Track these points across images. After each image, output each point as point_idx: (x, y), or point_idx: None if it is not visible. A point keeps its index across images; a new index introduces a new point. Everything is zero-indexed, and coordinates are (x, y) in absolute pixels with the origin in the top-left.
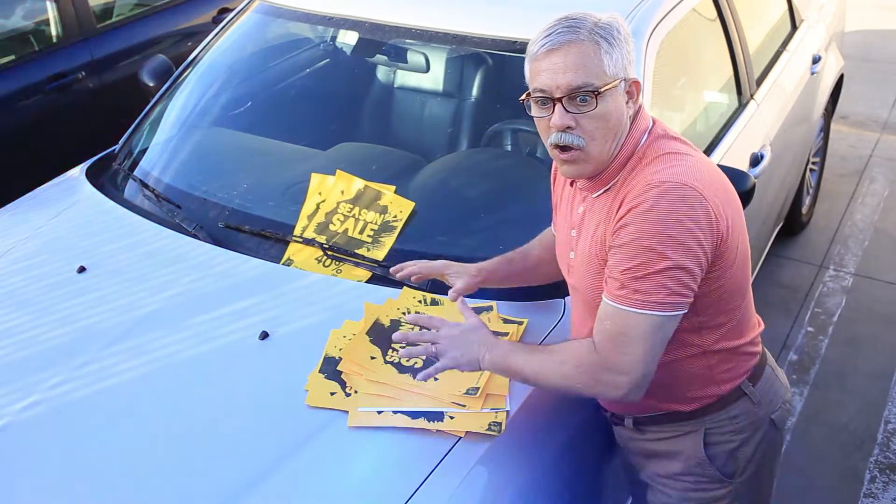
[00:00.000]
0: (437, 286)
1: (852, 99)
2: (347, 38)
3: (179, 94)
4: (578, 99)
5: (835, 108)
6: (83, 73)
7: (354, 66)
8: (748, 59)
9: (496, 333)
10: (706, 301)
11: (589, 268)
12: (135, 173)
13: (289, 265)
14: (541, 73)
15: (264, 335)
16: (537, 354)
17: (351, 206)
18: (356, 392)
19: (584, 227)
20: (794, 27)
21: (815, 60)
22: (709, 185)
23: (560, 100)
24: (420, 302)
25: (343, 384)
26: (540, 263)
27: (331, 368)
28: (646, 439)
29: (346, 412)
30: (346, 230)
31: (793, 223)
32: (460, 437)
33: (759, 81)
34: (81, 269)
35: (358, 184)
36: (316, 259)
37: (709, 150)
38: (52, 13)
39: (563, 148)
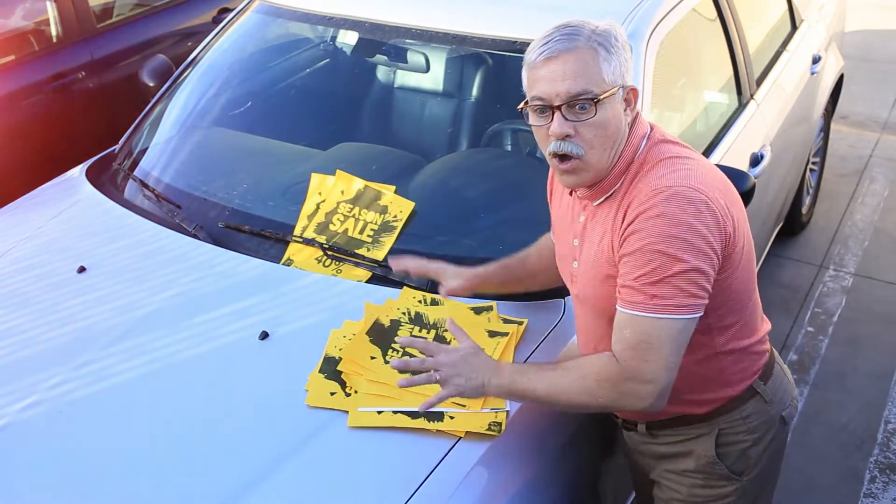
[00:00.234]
0: (438, 286)
1: (852, 99)
2: (347, 38)
3: (179, 94)
4: (577, 107)
5: (835, 108)
6: (83, 73)
7: (354, 66)
8: (748, 59)
9: (496, 333)
10: (715, 302)
11: (595, 277)
12: (135, 173)
13: (289, 265)
14: (539, 81)
15: (264, 335)
16: (548, 373)
17: (351, 206)
18: (356, 392)
19: (586, 235)
20: (794, 27)
21: (815, 60)
22: (713, 188)
23: (559, 108)
24: (420, 302)
25: (343, 384)
26: (537, 271)
27: (331, 368)
28: (658, 443)
29: (346, 412)
30: (346, 230)
31: (793, 223)
32: (460, 437)
33: (759, 81)
34: (81, 269)
35: (358, 184)
36: (316, 259)
37: (709, 150)
38: (52, 13)
39: (563, 157)
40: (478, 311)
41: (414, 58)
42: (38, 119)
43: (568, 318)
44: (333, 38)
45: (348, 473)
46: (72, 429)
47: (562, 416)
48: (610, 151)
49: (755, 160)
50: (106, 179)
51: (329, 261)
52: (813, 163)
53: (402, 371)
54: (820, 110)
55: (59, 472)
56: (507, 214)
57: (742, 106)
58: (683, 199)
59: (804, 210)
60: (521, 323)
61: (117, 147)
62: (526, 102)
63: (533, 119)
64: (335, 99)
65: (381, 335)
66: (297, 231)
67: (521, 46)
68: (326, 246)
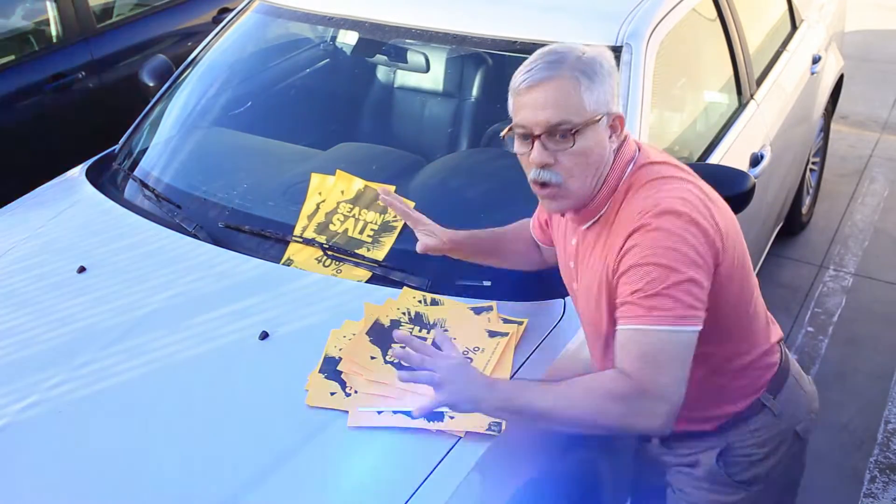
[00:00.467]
0: (438, 286)
1: (852, 99)
2: (347, 38)
3: (179, 94)
4: (558, 136)
5: (835, 108)
6: (83, 73)
7: (354, 66)
8: (748, 59)
9: (496, 333)
10: (708, 318)
11: (591, 300)
12: (135, 173)
13: (289, 265)
14: (522, 109)
15: (264, 335)
16: (550, 388)
17: (351, 206)
18: (356, 392)
19: (579, 259)
20: (794, 27)
21: (815, 60)
22: (701, 203)
23: (539, 136)
24: (420, 302)
25: (343, 384)
26: (509, 252)
27: (331, 368)
28: (672, 454)
29: (346, 412)
30: (346, 230)
31: (793, 223)
32: (460, 437)
33: (759, 81)
34: (81, 269)
35: (358, 184)
36: (316, 259)
37: (709, 150)
38: (52, 13)
39: (543, 184)
40: (478, 311)
41: (414, 58)
42: (38, 119)
43: (568, 318)
44: (333, 38)
45: (348, 473)
46: (72, 429)
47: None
48: (591, 179)
49: (755, 160)
50: (106, 179)
51: (329, 261)
52: (813, 163)
53: (401, 360)
54: (820, 110)
55: (59, 472)
56: (507, 214)
57: (742, 106)
58: (671, 213)
59: (804, 210)
60: (521, 323)
61: (117, 147)
62: (510, 128)
63: (516, 146)
64: (335, 99)
65: (381, 335)
66: (297, 231)
67: (521, 46)
68: (326, 246)
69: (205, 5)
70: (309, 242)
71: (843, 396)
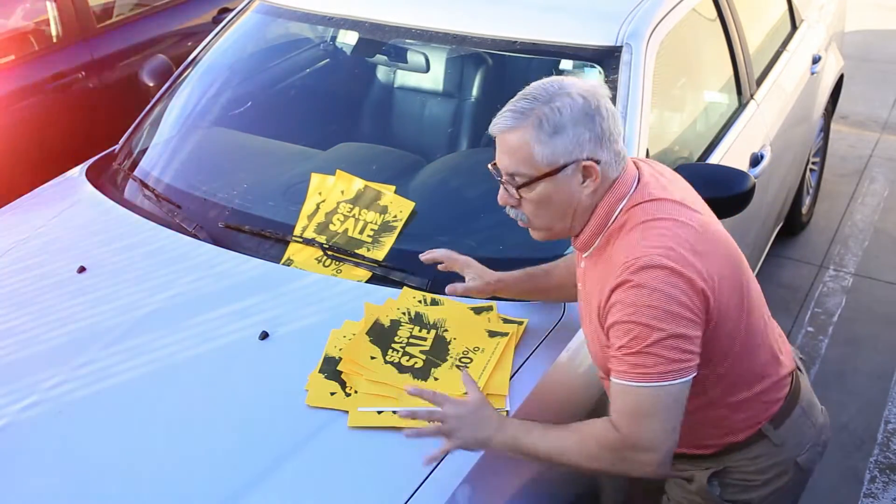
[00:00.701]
0: (438, 286)
1: (852, 99)
2: (347, 38)
3: (179, 94)
4: (515, 184)
5: (835, 108)
6: (83, 73)
7: (354, 66)
8: (748, 59)
9: (496, 333)
10: (703, 357)
11: (589, 328)
12: (135, 173)
13: (289, 265)
14: (496, 150)
15: (264, 335)
16: (552, 433)
17: (351, 206)
18: (356, 392)
19: (583, 283)
20: (794, 27)
21: (815, 60)
22: (688, 253)
23: (502, 180)
24: (420, 302)
25: (343, 384)
26: (562, 285)
27: (331, 368)
28: (671, 467)
29: (346, 412)
30: (346, 230)
31: (793, 223)
32: None
33: (759, 81)
34: (81, 269)
35: (358, 184)
36: (316, 259)
37: (709, 150)
38: (52, 13)
39: None
40: (478, 311)
41: (414, 58)
42: (38, 119)
43: (568, 318)
44: (333, 38)
45: (348, 473)
46: (72, 429)
47: (562, 417)
48: (559, 222)
49: (755, 160)
50: (106, 179)
51: (329, 261)
52: (813, 163)
53: (409, 418)
54: (820, 110)
55: (59, 472)
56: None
57: (742, 106)
58: (654, 267)
59: (804, 210)
60: (521, 323)
61: (117, 147)
62: (493, 163)
63: (498, 178)
64: (335, 99)
65: (381, 335)
66: (297, 231)
67: (520, 46)
68: (326, 246)
69: (205, 5)
70: (309, 242)
71: (843, 396)
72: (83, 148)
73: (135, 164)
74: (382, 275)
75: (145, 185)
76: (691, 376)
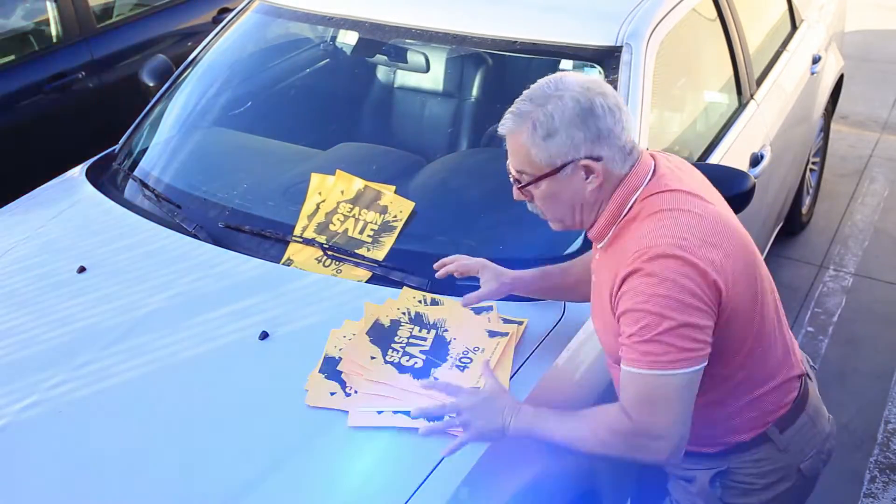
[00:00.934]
0: (438, 286)
1: (852, 99)
2: (347, 38)
3: (179, 94)
4: (523, 181)
5: (835, 108)
6: (83, 73)
7: (354, 66)
8: (748, 59)
9: (496, 333)
10: (713, 351)
11: (601, 319)
12: (135, 173)
13: (289, 265)
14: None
15: (264, 335)
16: (567, 421)
17: (351, 206)
18: (356, 392)
19: (597, 274)
20: (794, 27)
21: (815, 60)
22: (702, 241)
23: (512, 178)
24: (420, 302)
25: (343, 384)
26: (578, 283)
27: (331, 368)
28: (673, 465)
29: (346, 412)
30: (346, 230)
31: (793, 223)
32: None
33: (759, 81)
34: (81, 269)
35: (358, 184)
36: (316, 259)
37: (709, 151)
38: (52, 13)
39: None
40: (478, 311)
41: (414, 58)
42: (38, 119)
43: (568, 318)
44: (333, 38)
45: (348, 473)
46: (72, 429)
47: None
48: (570, 214)
49: (755, 160)
50: (106, 179)
51: (329, 261)
52: (813, 163)
53: (420, 417)
54: (820, 110)
55: (59, 472)
56: (507, 214)
57: (742, 106)
58: (666, 256)
59: (804, 210)
60: (521, 323)
61: (117, 147)
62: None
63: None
64: (335, 99)
65: (381, 335)
66: (297, 231)
67: (520, 46)
68: (326, 246)
69: (205, 5)
70: (309, 242)
71: (843, 396)
72: (83, 148)
73: (135, 164)
74: (382, 275)
75: (145, 185)
76: (702, 365)
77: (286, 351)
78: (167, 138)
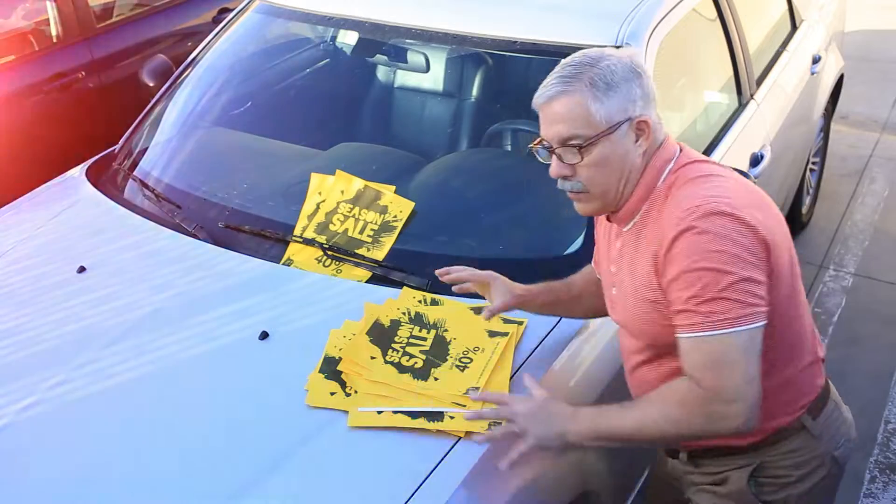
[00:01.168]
0: (438, 286)
1: (852, 99)
2: (347, 38)
3: (179, 94)
4: (572, 149)
5: (835, 108)
6: (83, 73)
7: (354, 66)
8: (748, 59)
9: (496, 333)
10: None
11: (635, 303)
12: (135, 173)
13: (289, 265)
14: (542, 123)
15: (264, 335)
16: (631, 411)
17: (351, 206)
18: (356, 392)
19: (622, 261)
20: (794, 27)
21: (815, 60)
22: (747, 202)
23: (555, 150)
24: (420, 302)
25: (343, 384)
26: (582, 296)
27: (331, 368)
28: (699, 472)
29: (346, 412)
30: (346, 230)
31: (793, 223)
32: (460, 437)
33: (759, 81)
34: (81, 269)
35: (358, 184)
36: (316, 259)
37: (709, 150)
38: (52, 13)
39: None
40: (478, 311)
41: (414, 58)
42: (38, 119)
43: (567, 318)
44: (333, 38)
45: (348, 473)
46: (72, 429)
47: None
48: (617, 183)
49: (755, 160)
50: (106, 179)
51: (329, 261)
52: (813, 163)
53: (475, 419)
54: (820, 110)
55: (59, 472)
56: (507, 214)
57: (742, 106)
58: (718, 214)
59: (804, 210)
60: (521, 323)
61: (117, 147)
62: (539, 141)
63: (543, 157)
64: (335, 99)
65: (381, 335)
66: (297, 231)
67: (520, 46)
68: (326, 246)
69: (205, 5)
70: (309, 242)
71: (844, 396)
72: (83, 148)
73: (135, 164)
74: (382, 275)
75: (145, 185)
76: (763, 322)
77: (286, 351)
78: (167, 138)
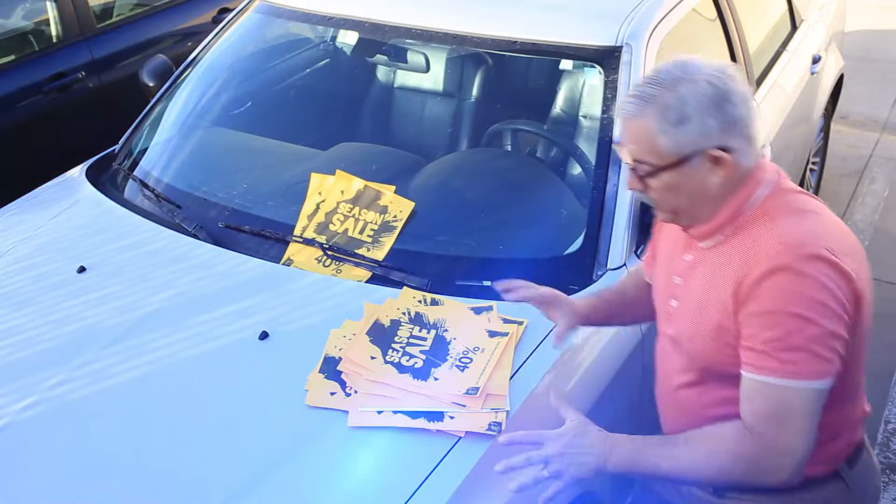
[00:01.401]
0: (438, 286)
1: (852, 99)
2: (347, 38)
3: (179, 94)
4: (641, 170)
5: (835, 108)
6: (83, 73)
7: (354, 67)
8: (748, 60)
9: (496, 333)
10: None
11: (701, 323)
12: (135, 173)
13: (289, 265)
14: (621, 132)
15: (264, 335)
16: (674, 449)
17: (351, 206)
18: (356, 392)
19: (692, 277)
20: (794, 27)
21: (815, 60)
22: (844, 247)
23: (628, 164)
24: (420, 302)
25: (343, 384)
26: (636, 303)
27: (331, 368)
28: (721, 502)
29: (346, 412)
30: (346, 230)
31: None
32: (460, 437)
33: (759, 81)
34: (81, 269)
35: (358, 184)
36: (316, 259)
37: None
38: (52, 13)
39: None
40: (478, 311)
41: (414, 58)
42: (38, 119)
43: None
44: (333, 38)
45: (348, 473)
46: (72, 429)
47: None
48: (688, 207)
49: None
50: (106, 179)
51: (329, 261)
52: (813, 163)
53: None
54: (820, 110)
55: (59, 472)
56: (507, 214)
57: None
58: (819, 258)
59: None
60: (521, 323)
61: (117, 147)
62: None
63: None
64: (335, 99)
65: (381, 335)
66: (297, 231)
67: (520, 46)
68: (326, 246)
69: (205, 5)
70: (309, 242)
71: None
72: (83, 148)
73: (135, 164)
74: (382, 275)
75: (145, 185)
76: (832, 380)
77: (286, 351)
78: (167, 138)
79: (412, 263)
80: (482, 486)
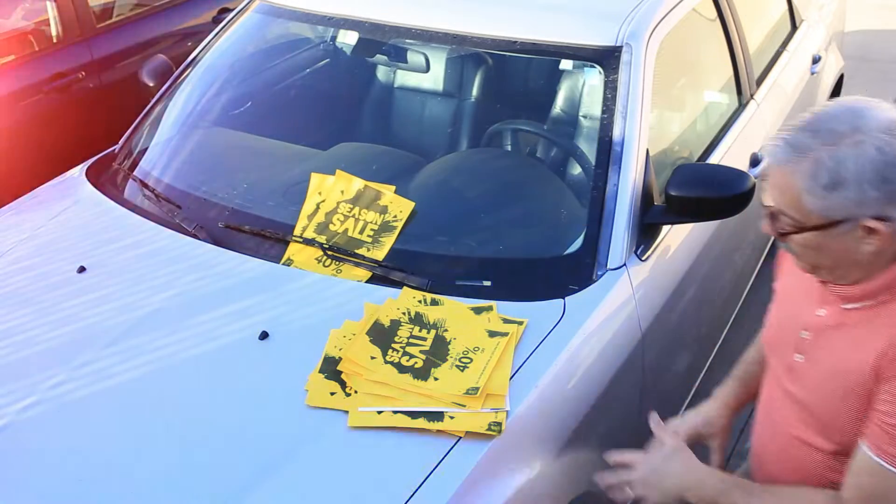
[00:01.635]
0: (438, 286)
1: None
2: (347, 38)
3: (179, 94)
4: (779, 222)
5: None
6: (83, 73)
7: (354, 66)
8: (748, 60)
9: (496, 333)
10: None
11: (835, 391)
12: (135, 173)
13: (289, 265)
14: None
15: (264, 335)
16: (759, 498)
17: (351, 206)
18: (356, 392)
19: (827, 337)
20: (794, 27)
21: (815, 60)
22: None
23: (768, 209)
24: (420, 302)
25: (343, 384)
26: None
27: (331, 368)
28: None
29: (346, 412)
30: (346, 230)
31: None
32: (460, 437)
33: (759, 81)
34: (81, 269)
35: (358, 184)
36: (316, 259)
37: (709, 151)
38: (52, 13)
39: None
40: (478, 311)
41: (414, 58)
42: (38, 119)
43: (568, 318)
44: (333, 38)
45: (348, 473)
46: (72, 429)
47: (561, 417)
48: (831, 269)
49: (755, 160)
50: (106, 179)
51: (329, 261)
52: None
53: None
54: None
55: (59, 472)
56: (507, 214)
57: (742, 106)
58: None
59: None
60: (521, 323)
61: (117, 147)
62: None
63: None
64: (335, 99)
65: (381, 335)
66: (297, 231)
67: (520, 46)
68: (326, 246)
69: (205, 5)
70: (309, 242)
71: None
72: (83, 148)
73: (135, 164)
74: (382, 275)
75: (145, 185)
76: None
77: (286, 351)
78: (167, 138)
79: (412, 263)
80: (482, 486)
